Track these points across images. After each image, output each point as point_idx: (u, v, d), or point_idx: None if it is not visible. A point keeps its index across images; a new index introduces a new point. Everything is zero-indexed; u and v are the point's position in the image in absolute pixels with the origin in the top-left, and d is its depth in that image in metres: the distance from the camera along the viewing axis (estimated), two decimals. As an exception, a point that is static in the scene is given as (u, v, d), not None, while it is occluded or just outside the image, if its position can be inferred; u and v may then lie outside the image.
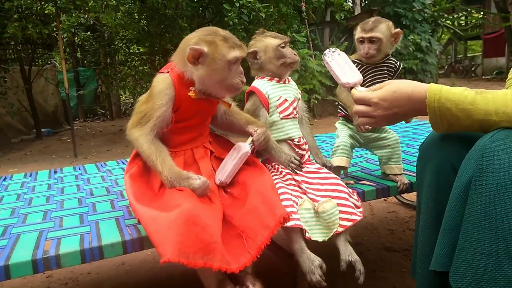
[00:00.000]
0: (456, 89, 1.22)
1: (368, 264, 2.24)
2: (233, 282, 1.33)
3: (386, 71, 1.83)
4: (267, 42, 1.62)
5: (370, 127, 1.72)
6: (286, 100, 1.64)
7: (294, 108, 1.66)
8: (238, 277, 1.32)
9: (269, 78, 1.66)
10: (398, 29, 1.79)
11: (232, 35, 1.46)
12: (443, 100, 1.20)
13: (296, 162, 1.54)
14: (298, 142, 1.65)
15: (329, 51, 1.62)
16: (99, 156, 5.97)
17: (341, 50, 1.63)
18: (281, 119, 1.63)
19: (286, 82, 1.69)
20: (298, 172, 1.55)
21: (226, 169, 1.48)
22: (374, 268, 2.20)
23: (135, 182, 1.45)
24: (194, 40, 1.40)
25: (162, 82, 1.47)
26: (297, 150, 1.65)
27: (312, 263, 1.37)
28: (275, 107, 1.63)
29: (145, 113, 1.45)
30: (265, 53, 1.63)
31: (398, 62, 1.85)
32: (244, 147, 1.50)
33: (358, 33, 1.78)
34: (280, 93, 1.64)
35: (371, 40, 1.74)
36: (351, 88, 1.47)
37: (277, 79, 1.66)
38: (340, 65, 1.56)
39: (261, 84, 1.65)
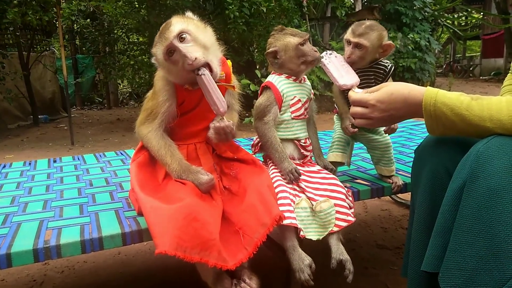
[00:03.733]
0: (452, 94, 1.24)
1: (360, 260, 2.28)
2: (230, 275, 1.36)
3: (373, 76, 1.76)
4: (287, 41, 1.58)
5: (356, 130, 1.73)
6: (299, 100, 1.62)
7: (306, 109, 1.66)
8: (235, 271, 1.35)
9: (286, 75, 1.64)
10: (391, 42, 1.71)
11: (169, 24, 1.43)
12: (439, 104, 1.23)
13: (296, 175, 1.53)
14: (304, 143, 1.65)
15: (326, 53, 1.63)
16: (96, 145, 5.98)
17: (340, 46, 1.64)
18: (292, 119, 1.62)
19: (302, 81, 1.67)
20: (294, 183, 1.54)
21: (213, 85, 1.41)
22: (366, 265, 2.24)
23: (141, 171, 1.49)
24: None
25: (161, 79, 1.51)
26: (302, 150, 1.65)
27: (302, 261, 1.40)
28: (288, 106, 1.61)
29: (151, 110, 1.50)
30: (285, 53, 1.59)
31: (390, 65, 1.77)
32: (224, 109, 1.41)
33: (347, 34, 1.71)
34: (295, 93, 1.62)
35: (356, 45, 1.66)
36: (348, 90, 1.50)
37: (294, 77, 1.64)
38: (337, 67, 1.58)
39: (278, 81, 1.62)
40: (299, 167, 1.63)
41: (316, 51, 1.61)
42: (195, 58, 1.36)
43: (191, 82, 1.45)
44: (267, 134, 1.58)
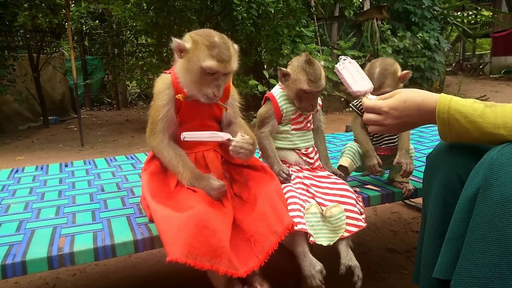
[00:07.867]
0: (465, 101, 1.24)
1: (370, 264, 2.27)
2: (242, 282, 1.37)
3: None
4: (299, 78, 1.59)
5: (381, 169, 1.76)
6: (301, 114, 1.66)
7: (308, 121, 1.68)
8: (247, 277, 1.35)
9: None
10: (406, 71, 1.74)
11: (229, 48, 1.41)
12: (452, 111, 1.22)
13: (284, 175, 1.57)
14: (305, 151, 1.68)
15: (340, 59, 1.63)
16: (106, 146, 6.02)
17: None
18: (292, 130, 1.67)
19: None
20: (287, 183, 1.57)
21: (196, 134, 1.45)
22: (376, 269, 2.23)
23: (153, 180, 1.50)
24: (187, 34, 1.44)
25: (161, 82, 1.51)
26: (304, 158, 1.68)
27: (313, 267, 1.41)
28: (289, 120, 1.66)
29: (153, 119, 1.51)
30: (291, 83, 1.61)
31: None
32: (225, 135, 1.45)
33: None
34: (296, 108, 1.65)
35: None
36: (362, 96, 1.49)
37: None
38: (351, 73, 1.57)
39: (280, 95, 1.66)
40: (308, 173, 1.64)
41: (313, 106, 1.62)
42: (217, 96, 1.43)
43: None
44: (262, 142, 1.65)
